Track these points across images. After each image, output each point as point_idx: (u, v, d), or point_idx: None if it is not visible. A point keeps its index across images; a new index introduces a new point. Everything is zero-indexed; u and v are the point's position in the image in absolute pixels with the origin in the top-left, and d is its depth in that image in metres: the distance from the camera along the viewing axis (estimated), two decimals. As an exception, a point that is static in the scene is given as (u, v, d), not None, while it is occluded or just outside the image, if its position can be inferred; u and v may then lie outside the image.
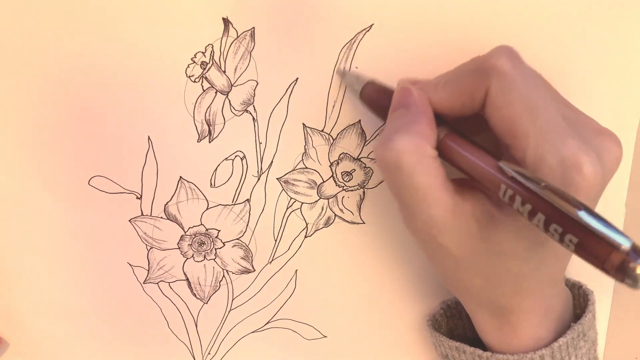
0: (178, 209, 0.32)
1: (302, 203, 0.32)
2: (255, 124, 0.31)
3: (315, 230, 0.32)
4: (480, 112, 0.24)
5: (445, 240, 0.24)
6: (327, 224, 0.32)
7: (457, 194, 0.24)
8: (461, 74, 0.24)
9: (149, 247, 0.33)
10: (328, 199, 0.32)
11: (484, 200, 0.24)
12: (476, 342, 0.29)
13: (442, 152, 0.24)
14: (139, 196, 0.32)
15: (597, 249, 0.19)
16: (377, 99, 0.27)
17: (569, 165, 0.21)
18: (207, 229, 0.32)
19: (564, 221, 0.20)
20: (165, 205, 0.32)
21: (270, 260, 0.33)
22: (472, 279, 0.25)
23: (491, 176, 0.23)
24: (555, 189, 0.20)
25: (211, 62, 0.30)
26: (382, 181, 0.31)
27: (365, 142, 0.31)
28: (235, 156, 0.31)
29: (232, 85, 0.30)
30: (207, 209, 0.32)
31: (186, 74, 0.30)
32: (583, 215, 0.19)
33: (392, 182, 0.24)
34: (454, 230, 0.24)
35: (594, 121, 0.25)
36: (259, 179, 0.32)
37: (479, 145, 0.24)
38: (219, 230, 0.32)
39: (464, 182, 0.25)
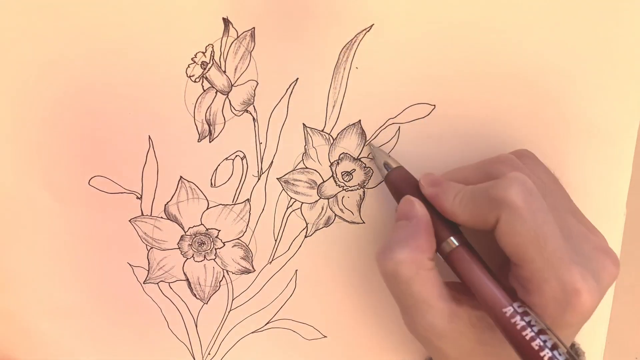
0: (178, 209, 0.32)
1: (302, 203, 0.32)
2: (256, 124, 0.31)
3: (315, 230, 0.32)
4: (491, 231, 0.25)
5: (442, 344, 0.26)
6: (327, 223, 0.32)
7: (454, 301, 0.25)
8: (475, 197, 0.25)
9: (149, 247, 0.33)
10: (328, 199, 0.32)
11: (480, 306, 0.26)
12: None
13: (449, 262, 0.26)
14: (139, 196, 0.32)
15: None
16: (401, 186, 0.28)
17: (569, 290, 0.23)
18: (207, 229, 0.32)
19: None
20: (165, 205, 0.32)
21: (270, 260, 0.33)
22: None
23: (494, 304, 0.24)
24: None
25: (211, 62, 0.30)
26: (382, 181, 0.31)
27: (365, 142, 0.31)
28: (236, 156, 0.31)
29: (232, 85, 0.30)
30: (207, 208, 0.32)
31: (186, 74, 0.30)
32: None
33: (392, 289, 0.26)
34: (451, 335, 0.25)
35: (596, 236, 0.27)
36: (259, 179, 0.32)
37: (486, 266, 0.25)
38: (219, 230, 0.32)
39: (460, 287, 0.26)
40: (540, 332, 0.23)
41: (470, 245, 0.26)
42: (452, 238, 0.26)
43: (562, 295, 0.24)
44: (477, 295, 0.25)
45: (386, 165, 0.29)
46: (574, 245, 0.25)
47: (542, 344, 0.23)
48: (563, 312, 0.24)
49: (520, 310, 0.24)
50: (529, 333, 0.23)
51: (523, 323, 0.23)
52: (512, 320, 0.24)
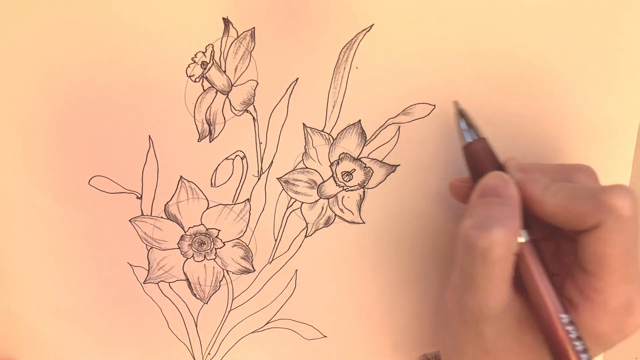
0: (178, 209, 0.32)
1: (302, 203, 0.32)
2: (256, 123, 0.31)
3: (315, 230, 0.32)
4: (573, 232, 0.25)
5: (486, 329, 0.25)
6: (327, 223, 0.32)
7: (512, 291, 0.25)
8: (578, 194, 0.25)
9: (149, 247, 0.33)
10: (328, 198, 0.32)
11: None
12: None
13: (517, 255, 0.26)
14: (139, 196, 0.32)
15: None
16: (482, 160, 0.27)
17: (630, 310, 0.24)
18: (207, 229, 0.32)
19: None
20: (165, 205, 0.32)
21: (270, 260, 0.33)
22: None
23: (552, 309, 0.24)
24: None
25: (211, 62, 0.30)
26: (382, 181, 0.31)
27: (365, 142, 0.31)
28: (236, 156, 0.31)
29: (232, 85, 0.30)
30: (207, 208, 0.32)
31: (187, 74, 0.30)
32: None
33: (469, 264, 0.25)
34: (499, 322, 0.25)
35: None
36: (259, 179, 0.32)
37: (548, 269, 0.25)
38: (219, 230, 0.32)
39: (517, 281, 0.26)
40: (586, 350, 0.24)
41: (537, 243, 0.26)
42: (523, 231, 0.25)
43: (623, 314, 0.24)
44: (534, 295, 0.25)
45: (471, 131, 0.28)
46: None
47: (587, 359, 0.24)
48: (616, 330, 0.24)
49: (572, 322, 0.24)
50: (579, 345, 0.24)
51: (576, 334, 0.24)
52: (567, 328, 0.24)
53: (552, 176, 0.26)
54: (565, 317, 0.24)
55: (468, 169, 0.28)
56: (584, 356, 0.24)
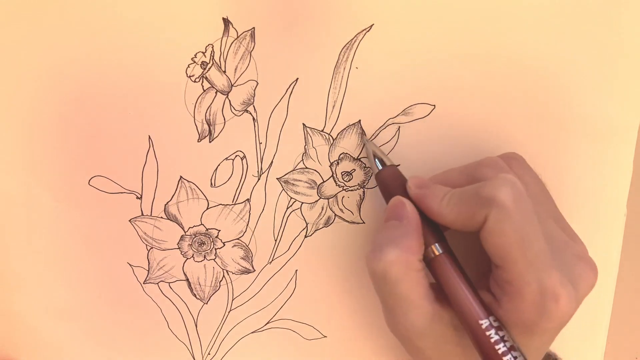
0: (178, 209, 0.32)
1: (302, 203, 0.32)
2: (256, 124, 0.31)
3: (315, 230, 0.32)
4: (476, 231, 0.26)
5: (422, 344, 0.26)
6: (327, 223, 0.32)
7: (437, 303, 0.26)
8: (464, 197, 0.26)
9: (149, 247, 0.33)
10: (328, 199, 0.32)
11: None
12: None
13: (431, 268, 0.26)
14: (139, 196, 0.32)
15: None
16: (391, 186, 0.28)
17: (548, 295, 0.24)
18: (207, 229, 0.32)
19: None
20: (165, 205, 0.32)
21: (270, 260, 0.33)
22: None
23: (470, 315, 0.25)
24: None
25: (211, 62, 0.30)
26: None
27: (365, 142, 0.31)
28: (236, 156, 0.31)
29: (232, 85, 0.30)
30: (207, 208, 0.32)
31: (186, 74, 0.30)
32: None
33: (378, 288, 0.26)
34: (432, 335, 0.26)
35: (578, 244, 0.27)
36: (259, 179, 0.32)
37: (467, 277, 0.26)
38: (219, 230, 0.32)
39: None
40: (512, 348, 0.24)
41: (452, 253, 0.26)
42: (436, 245, 0.26)
43: (541, 300, 0.24)
44: (454, 304, 0.25)
45: (379, 162, 0.29)
46: (554, 251, 0.25)
47: (512, 359, 0.24)
48: (540, 316, 0.24)
49: (495, 324, 0.24)
50: (501, 347, 0.24)
51: (497, 337, 0.24)
52: (487, 333, 0.24)
53: (458, 180, 0.27)
54: (484, 322, 0.24)
55: (383, 197, 0.29)
56: (506, 358, 0.24)
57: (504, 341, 0.24)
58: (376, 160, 0.29)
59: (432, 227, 0.27)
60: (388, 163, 0.29)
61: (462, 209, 0.25)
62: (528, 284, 0.24)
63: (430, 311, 0.25)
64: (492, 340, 0.24)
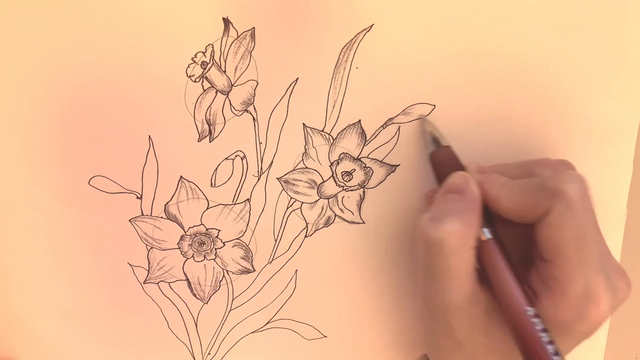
0: (178, 209, 0.32)
1: (302, 203, 0.32)
2: (256, 123, 0.31)
3: (315, 230, 0.32)
4: (530, 223, 0.25)
5: (453, 321, 0.26)
6: (327, 223, 0.32)
7: (478, 285, 0.26)
8: (529, 187, 0.26)
9: (149, 247, 0.33)
10: (328, 198, 0.32)
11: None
12: None
13: (479, 253, 0.26)
14: (139, 196, 0.32)
15: None
16: (446, 166, 0.28)
17: (591, 297, 0.24)
18: (207, 229, 0.32)
19: None
20: (165, 205, 0.32)
21: (270, 260, 0.33)
22: None
23: (517, 302, 0.25)
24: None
25: (211, 62, 0.30)
26: (382, 181, 0.31)
27: (365, 142, 0.31)
28: (236, 156, 0.31)
29: (232, 85, 0.30)
30: (207, 208, 0.32)
31: (186, 74, 0.30)
32: None
33: (427, 256, 0.26)
34: (466, 317, 0.26)
35: (615, 260, 0.27)
36: (259, 179, 0.32)
37: (513, 265, 0.26)
38: (219, 230, 0.32)
39: (484, 276, 0.26)
40: (551, 341, 0.24)
41: (501, 240, 0.26)
42: (485, 230, 0.26)
43: (584, 301, 0.24)
44: (499, 290, 0.25)
45: (435, 141, 0.29)
46: (601, 258, 0.25)
47: (552, 351, 0.23)
48: (579, 318, 0.24)
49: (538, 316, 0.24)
50: (545, 337, 0.24)
51: (542, 326, 0.24)
52: (533, 320, 0.24)
53: (514, 174, 0.27)
54: (530, 310, 0.24)
55: (435, 175, 0.29)
56: (550, 347, 0.24)
57: (546, 331, 0.24)
58: (431, 140, 0.29)
59: (485, 214, 0.27)
60: (444, 143, 0.29)
61: (525, 198, 0.25)
62: (575, 282, 0.24)
63: (471, 291, 0.25)
64: (538, 328, 0.24)
